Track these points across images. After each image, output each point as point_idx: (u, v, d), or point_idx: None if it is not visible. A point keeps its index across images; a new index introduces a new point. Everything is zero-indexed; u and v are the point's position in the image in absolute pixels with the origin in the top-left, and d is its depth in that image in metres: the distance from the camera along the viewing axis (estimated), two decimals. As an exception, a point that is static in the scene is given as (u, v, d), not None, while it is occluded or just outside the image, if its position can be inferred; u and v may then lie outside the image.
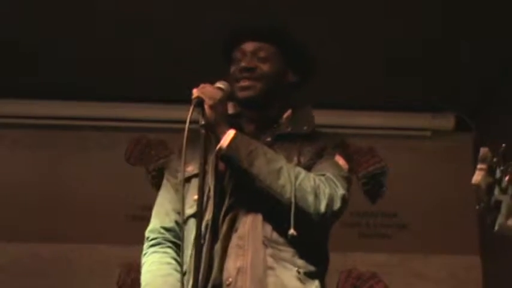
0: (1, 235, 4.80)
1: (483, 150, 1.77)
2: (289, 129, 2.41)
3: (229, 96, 2.36)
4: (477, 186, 1.76)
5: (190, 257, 2.23)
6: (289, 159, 2.30)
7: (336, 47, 4.18)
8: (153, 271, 2.37)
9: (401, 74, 4.56)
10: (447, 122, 5.08)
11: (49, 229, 4.84)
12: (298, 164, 2.30)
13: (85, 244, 4.84)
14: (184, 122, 2.17)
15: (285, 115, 2.46)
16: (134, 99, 4.95)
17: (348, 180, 2.35)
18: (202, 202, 2.22)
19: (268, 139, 2.37)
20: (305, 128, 2.43)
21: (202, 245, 2.21)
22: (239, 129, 2.36)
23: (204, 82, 2.33)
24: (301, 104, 2.53)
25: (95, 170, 5.01)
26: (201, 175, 2.22)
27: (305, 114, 2.50)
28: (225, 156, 2.26)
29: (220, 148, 2.25)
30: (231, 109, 2.42)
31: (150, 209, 5.12)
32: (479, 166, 1.77)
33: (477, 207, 1.77)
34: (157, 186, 4.82)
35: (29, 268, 4.77)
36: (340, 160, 2.37)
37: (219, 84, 2.34)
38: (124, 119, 5.03)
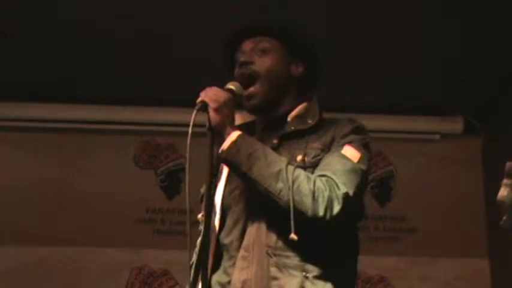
0: (9, 239, 4.80)
1: (509, 165, 1.73)
2: (292, 128, 2.30)
3: (239, 98, 2.28)
4: (502, 201, 1.72)
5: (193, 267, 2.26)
6: (293, 160, 2.19)
7: (343, 50, 4.17)
8: None
9: (410, 77, 4.56)
10: (456, 125, 5.07)
11: (57, 233, 4.84)
12: (303, 163, 2.19)
13: (93, 248, 4.84)
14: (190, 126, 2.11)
15: (293, 112, 2.32)
16: (143, 102, 4.96)
17: (357, 173, 2.16)
18: (209, 210, 2.18)
19: (275, 141, 2.27)
20: (309, 121, 2.31)
21: (206, 256, 2.18)
22: (253, 134, 2.29)
23: (213, 84, 2.26)
24: (310, 98, 2.39)
25: (104, 173, 5.02)
26: (207, 180, 2.16)
27: (310, 107, 2.36)
28: (225, 160, 2.20)
29: (222, 151, 2.17)
30: (244, 118, 2.36)
31: (158, 212, 5.10)
32: (504, 181, 1.73)
33: (501, 222, 1.74)
34: (166, 190, 4.79)
35: (37, 272, 4.77)
36: (349, 151, 2.20)
37: (229, 85, 2.26)
38: (133, 122, 5.03)
